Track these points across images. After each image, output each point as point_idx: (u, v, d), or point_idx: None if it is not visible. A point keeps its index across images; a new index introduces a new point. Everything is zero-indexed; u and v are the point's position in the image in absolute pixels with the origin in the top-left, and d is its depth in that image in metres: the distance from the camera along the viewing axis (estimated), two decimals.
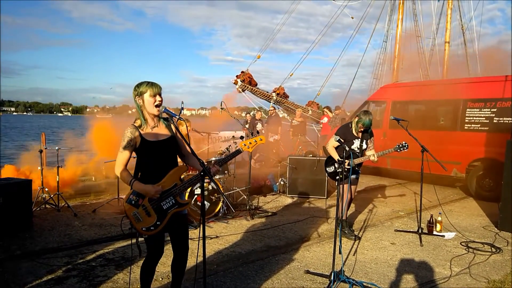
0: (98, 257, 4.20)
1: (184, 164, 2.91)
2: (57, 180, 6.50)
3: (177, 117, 2.84)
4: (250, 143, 3.01)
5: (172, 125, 2.87)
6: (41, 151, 6.40)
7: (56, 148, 6.41)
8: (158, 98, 2.72)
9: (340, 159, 4.67)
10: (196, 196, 5.43)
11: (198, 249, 2.62)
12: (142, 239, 2.79)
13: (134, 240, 2.79)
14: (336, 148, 4.92)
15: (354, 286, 3.51)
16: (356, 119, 4.84)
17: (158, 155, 2.74)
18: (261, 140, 3.07)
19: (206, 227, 2.42)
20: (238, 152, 2.99)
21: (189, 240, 3.01)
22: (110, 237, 4.83)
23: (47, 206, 6.08)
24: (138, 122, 2.74)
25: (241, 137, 3.93)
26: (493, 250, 4.66)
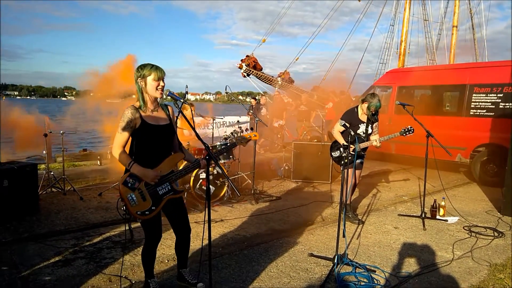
0: (105, 239, 4.26)
1: (182, 152, 2.91)
2: (63, 163, 6.56)
3: (182, 100, 2.85)
4: (245, 138, 3.13)
5: (170, 111, 2.87)
6: (45, 135, 6.42)
7: (61, 132, 6.42)
8: (161, 83, 2.70)
9: (345, 144, 4.66)
10: (201, 180, 5.46)
11: (203, 232, 2.65)
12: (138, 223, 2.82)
13: (130, 225, 2.81)
14: (342, 132, 4.91)
15: (357, 268, 3.56)
16: (366, 104, 4.80)
17: (156, 139, 2.74)
18: (255, 136, 3.17)
19: (211, 210, 2.45)
20: (232, 146, 3.03)
21: (195, 223, 3.05)
22: (116, 220, 4.89)
23: (53, 189, 6.14)
24: (137, 104, 2.72)
25: (232, 133, 4.20)
26: (496, 234, 4.69)
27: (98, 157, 9.21)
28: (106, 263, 3.63)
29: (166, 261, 3.70)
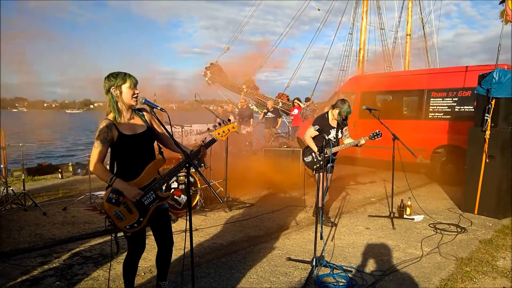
0: (74, 255, 4.06)
1: (162, 157, 2.84)
2: (23, 178, 6.21)
3: (159, 107, 2.79)
4: (223, 131, 2.97)
5: (146, 116, 2.80)
6: (3, 148, 6.07)
7: (20, 144, 6.09)
8: (136, 90, 2.64)
9: (319, 149, 4.75)
10: (173, 190, 5.36)
11: (185, 241, 2.61)
12: (121, 234, 2.73)
13: (115, 236, 2.71)
14: (314, 138, 5.00)
15: (334, 269, 3.63)
16: (337, 110, 4.92)
17: (136, 149, 2.66)
18: (233, 128, 3.04)
19: (184, 220, 2.43)
20: (213, 141, 2.96)
21: None
22: (85, 235, 4.68)
23: (12, 206, 5.79)
24: (111, 115, 2.62)
25: (214, 126, 3.82)
26: (459, 230, 4.95)
27: (59, 170, 8.81)
28: (79, 279, 3.47)
29: (143, 273, 3.59)
